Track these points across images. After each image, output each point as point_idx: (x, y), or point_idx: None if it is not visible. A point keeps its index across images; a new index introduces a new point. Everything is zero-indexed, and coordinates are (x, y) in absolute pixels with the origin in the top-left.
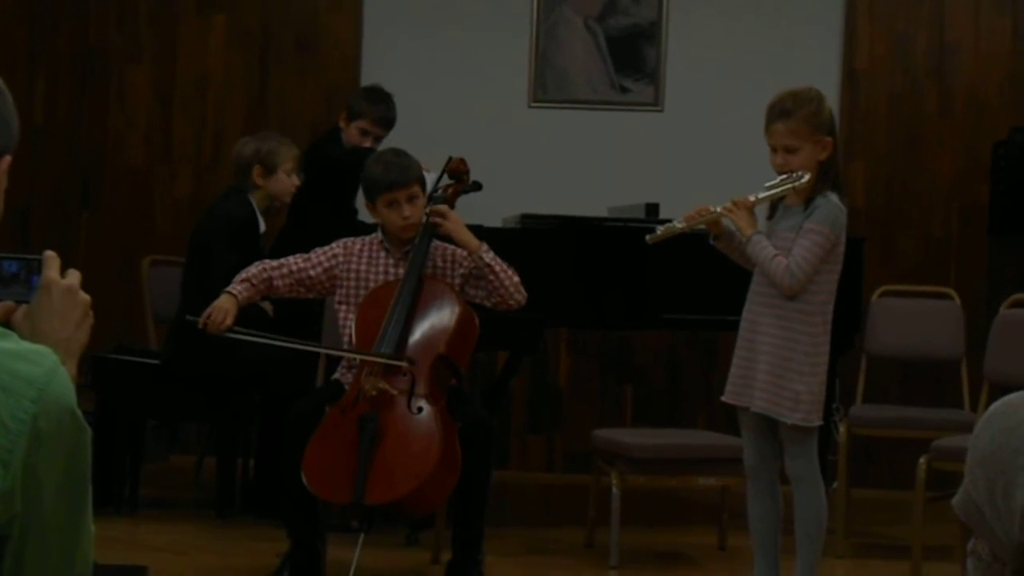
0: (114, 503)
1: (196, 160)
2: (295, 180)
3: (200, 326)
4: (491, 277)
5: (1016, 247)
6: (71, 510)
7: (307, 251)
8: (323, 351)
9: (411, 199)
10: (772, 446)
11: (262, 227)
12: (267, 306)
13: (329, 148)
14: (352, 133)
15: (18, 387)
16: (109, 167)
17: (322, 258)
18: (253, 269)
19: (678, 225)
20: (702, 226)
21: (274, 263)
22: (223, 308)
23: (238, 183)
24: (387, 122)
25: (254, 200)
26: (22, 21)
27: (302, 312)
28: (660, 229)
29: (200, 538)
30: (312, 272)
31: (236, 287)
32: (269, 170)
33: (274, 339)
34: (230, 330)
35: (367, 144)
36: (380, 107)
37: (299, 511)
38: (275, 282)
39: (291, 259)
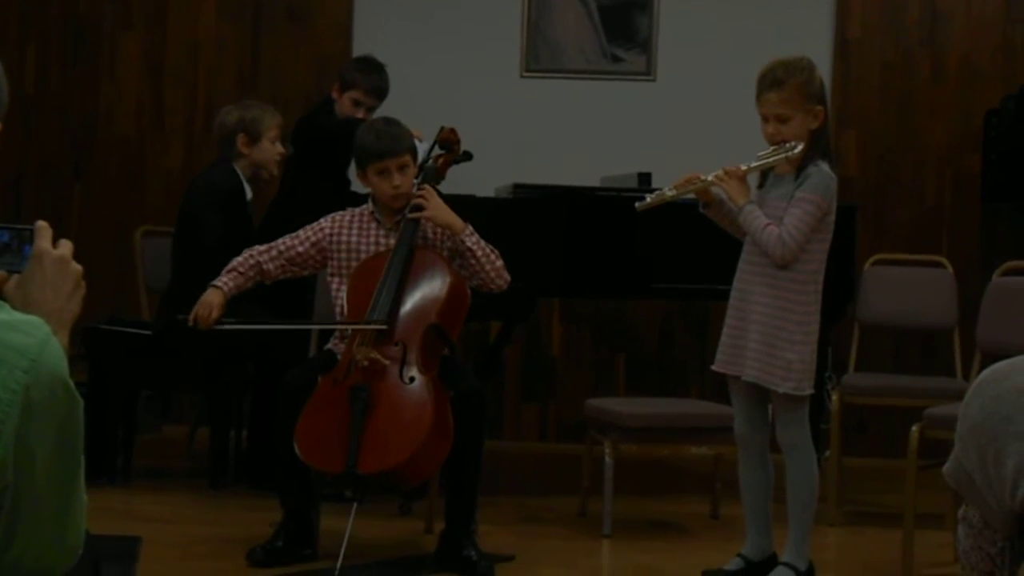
0: (107, 473)
1: (188, 130)
2: (279, 148)
3: (190, 324)
4: (472, 261)
5: (1008, 215)
6: (63, 480)
7: (300, 221)
8: (310, 327)
9: (401, 168)
10: (763, 415)
11: (249, 195)
12: None
13: (322, 119)
14: (345, 104)
15: (10, 357)
16: (101, 137)
17: (309, 234)
18: (240, 258)
19: (668, 193)
20: (692, 194)
21: (262, 248)
22: (208, 303)
23: (222, 152)
24: (380, 92)
25: (239, 168)
26: None
27: (294, 283)
28: (650, 197)
29: (193, 508)
30: (300, 249)
31: (222, 279)
32: (253, 138)
33: (263, 324)
34: (218, 323)
35: (360, 114)
36: (373, 77)
37: (292, 481)
38: (265, 266)
39: (279, 241)
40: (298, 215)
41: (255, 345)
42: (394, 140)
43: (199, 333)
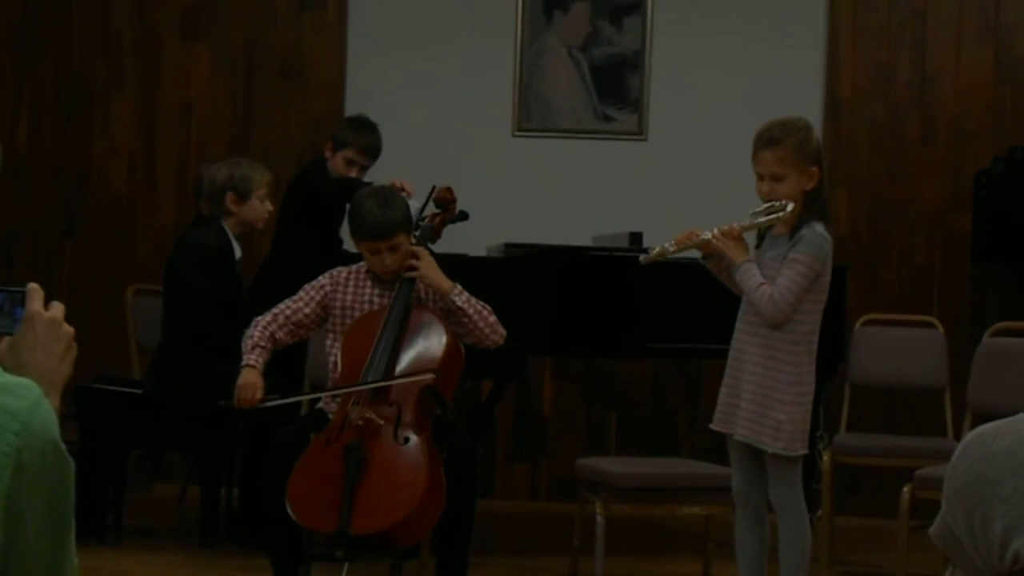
0: (98, 533)
1: (180, 188)
2: (268, 206)
3: (236, 407)
4: (464, 319)
5: (999, 276)
6: (54, 543)
7: (291, 280)
8: (349, 389)
9: (392, 249)
10: (760, 474)
11: (238, 253)
12: None
13: (316, 178)
14: (338, 163)
15: (1, 420)
16: (93, 195)
17: (312, 293)
18: (255, 332)
19: (670, 248)
20: (693, 249)
21: (268, 317)
22: (251, 385)
23: (210, 210)
24: (373, 151)
25: (227, 227)
26: (7, 48)
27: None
28: (652, 251)
29: (184, 567)
30: (306, 311)
31: (252, 357)
32: (243, 196)
33: (302, 395)
34: (262, 402)
35: (354, 173)
36: (366, 136)
37: (283, 540)
38: (276, 335)
39: (282, 306)
40: (290, 274)
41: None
42: (387, 224)
43: (189, 383)
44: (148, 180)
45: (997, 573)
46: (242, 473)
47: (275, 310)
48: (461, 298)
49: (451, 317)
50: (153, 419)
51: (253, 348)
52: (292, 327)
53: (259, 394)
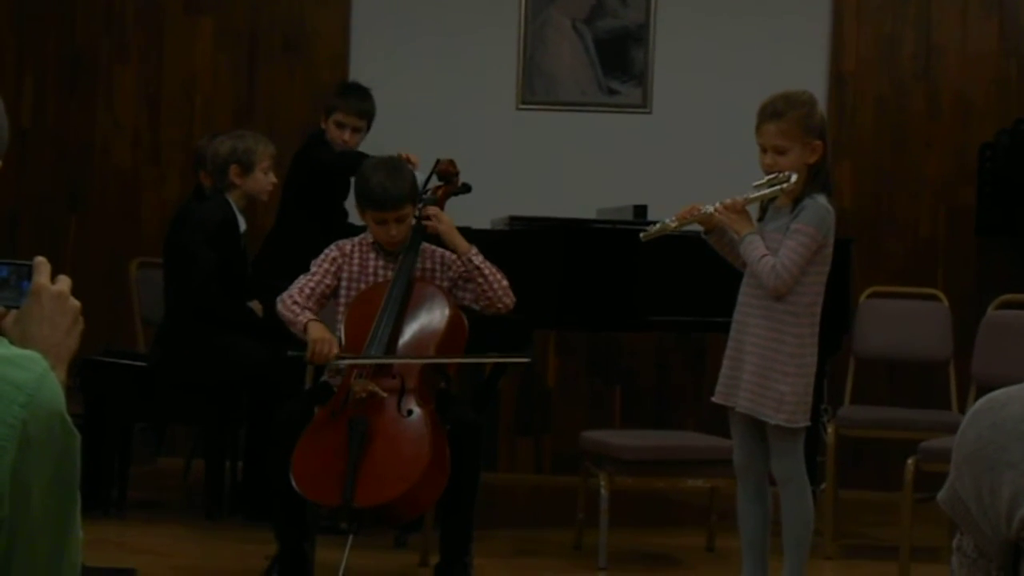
0: (102, 505)
1: (184, 162)
2: (272, 178)
3: (308, 360)
4: (480, 280)
5: (1003, 248)
6: (59, 515)
7: (296, 256)
8: (410, 360)
9: (399, 220)
10: (761, 447)
11: (242, 226)
12: (256, 306)
13: (319, 152)
14: (331, 128)
15: (7, 392)
16: (97, 169)
17: (327, 265)
18: (295, 299)
19: (671, 223)
20: (695, 224)
21: (294, 290)
22: (327, 340)
23: (214, 183)
24: (361, 112)
25: (232, 200)
26: (9, 24)
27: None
28: (653, 227)
29: (189, 540)
30: (327, 281)
31: (308, 314)
32: (246, 169)
33: (376, 359)
34: (338, 358)
35: (346, 136)
36: (352, 98)
37: (287, 513)
38: (307, 304)
39: (301, 282)
40: (295, 249)
41: (250, 377)
42: (394, 194)
43: (193, 356)
44: (152, 154)
45: (1004, 539)
46: (247, 446)
47: (297, 285)
48: (478, 258)
49: (466, 281)
50: (158, 392)
51: (303, 309)
52: (318, 298)
53: (336, 349)
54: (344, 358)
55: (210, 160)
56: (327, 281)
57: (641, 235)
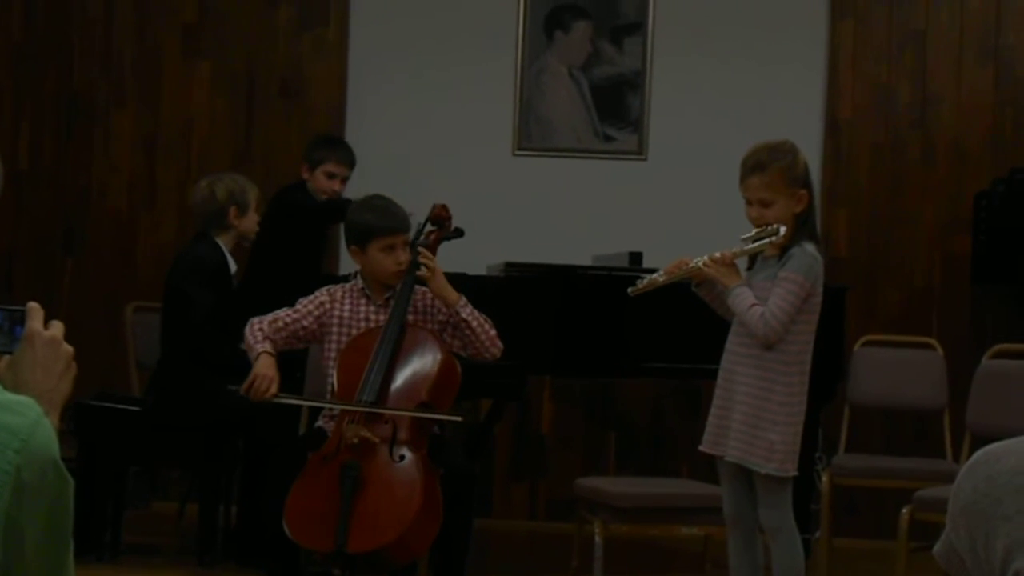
0: (96, 550)
1: (181, 206)
2: (256, 218)
3: (243, 393)
4: (467, 332)
5: (998, 297)
6: (53, 561)
7: (267, 304)
8: (357, 409)
9: (404, 245)
10: (750, 496)
11: (233, 268)
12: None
13: (303, 199)
14: (320, 179)
15: (2, 438)
16: (93, 212)
17: (311, 307)
18: (263, 326)
19: (660, 278)
20: (683, 278)
21: (268, 318)
22: (267, 376)
23: (207, 226)
24: (351, 161)
25: (222, 242)
26: (7, 65)
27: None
28: (641, 282)
29: None
30: (305, 323)
31: (267, 345)
32: (243, 210)
33: (311, 402)
34: (275, 396)
35: (336, 186)
36: (340, 148)
37: (280, 558)
38: (272, 338)
39: (281, 313)
40: (266, 296)
41: (244, 421)
42: (400, 218)
43: (188, 400)
44: (148, 197)
45: None
46: (241, 490)
47: (274, 314)
48: (466, 310)
49: (454, 329)
50: (152, 436)
51: (264, 339)
52: (288, 335)
53: (274, 388)
54: (281, 398)
55: (201, 205)
56: (305, 323)
57: (629, 290)
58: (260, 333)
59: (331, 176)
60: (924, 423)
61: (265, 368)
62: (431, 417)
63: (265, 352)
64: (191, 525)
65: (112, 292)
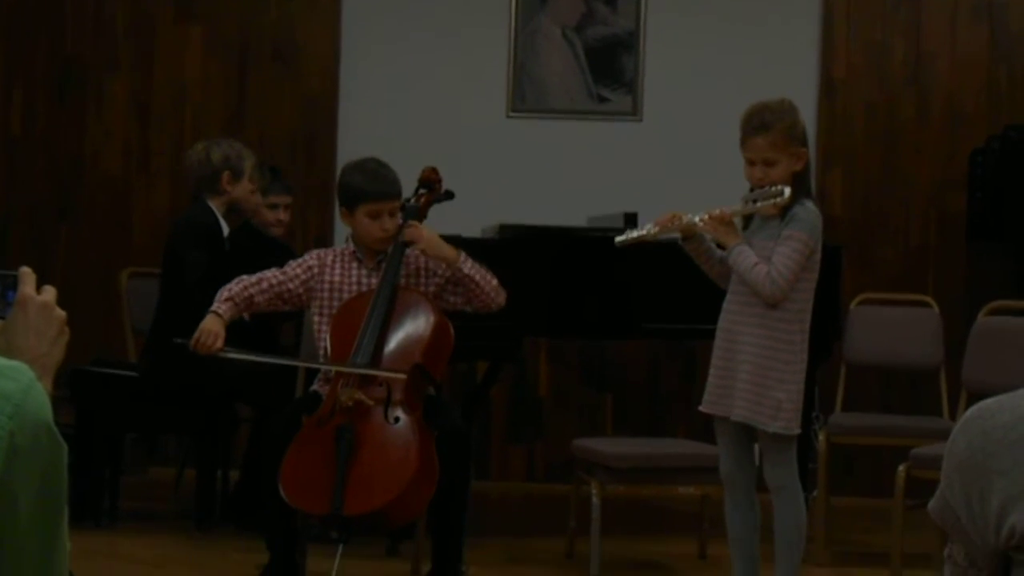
0: (93, 516)
1: (174, 171)
2: (250, 186)
3: (191, 348)
4: (471, 286)
5: (994, 255)
6: (46, 526)
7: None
8: (317, 366)
9: (392, 213)
10: (749, 455)
11: (225, 230)
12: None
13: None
14: (266, 212)
15: None
16: (87, 178)
17: (299, 271)
18: (235, 288)
19: (652, 230)
20: (675, 232)
21: (252, 279)
22: (212, 331)
23: (199, 189)
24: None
25: (214, 206)
26: None
27: (269, 322)
28: (631, 233)
29: (180, 550)
30: (291, 286)
31: (220, 306)
32: (237, 175)
33: (263, 358)
34: (220, 351)
35: (280, 215)
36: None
37: (277, 522)
38: (255, 298)
39: (268, 273)
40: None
41: (241, 388)
42: (391, 184)
43: (184, 365)
44: (142, 163)
45: (993, 548)
46: (246, 455)
47: (260, 275)
48: (467, 265)
49: (455, 285)
50: (148, 402)
51: (226, 300)
52: (273, 296)
53: (219, 343)
54: (228, 352)
55: (196, 168)
56: (291, 285)
57: (617, 240)
58: (226, 293)
59: (274, 207)
60: (920, 381)
61: (210, 324)
62: (394, 377)
63: (213, 312)
64: (189, 491)
65: (107, 258)
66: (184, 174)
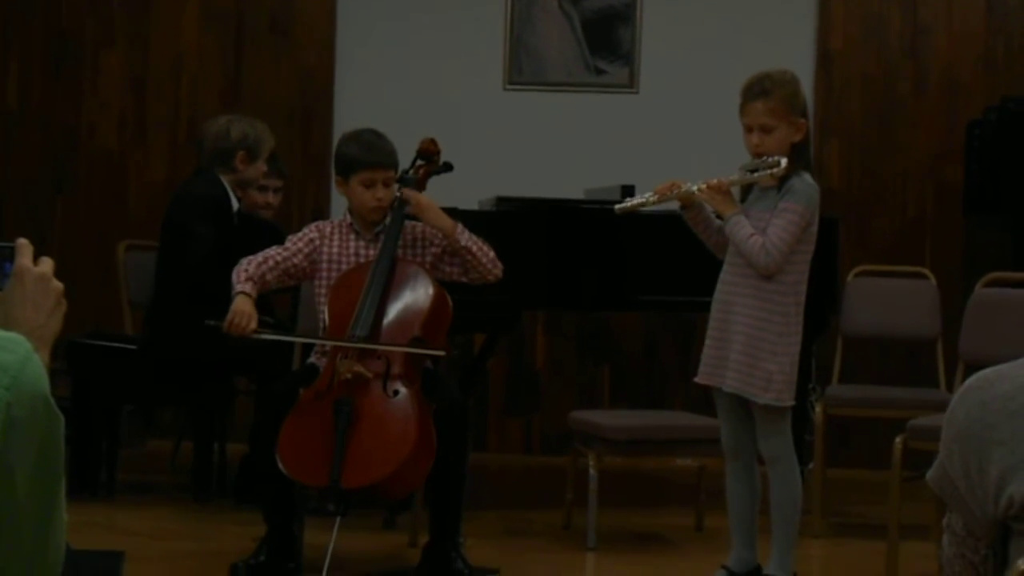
0: (91, 488)
1: (171, 144)
2: (263, 168)
3: (224, 330)
4: (468, 257)
5: (990, 226)
6: (44, 498)
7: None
8: (353, 346)
9: (387, 183)
10: (747, 425)
11: (235, 205)
12: None
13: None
14: (254, 194)
15: None
16: (83, 151)
17: (301, 244)
18: (249, 268)
19: (650, 198)
20: (674, 202)
21: (259, 258)
22: (246, 312)
23: (211, 162)
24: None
25: (225, 181)
26: None
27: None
28: (630, 201)
29: (177, 522)
30: (296, 260)
31: (245, 286)
32: (252, 157)
33: (295, 338)
34: (255, 332)
35: (270, 198)
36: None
37: (275, 494)
38: (266, 276)
39: (271, 251)
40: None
41: (243, 359)
42: (386, 154)
43: (181, 337)
44: (138, 136)
45: (992, 517)
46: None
47: (264, 254)
48: (464, 236)
49: (452, 257)
50: (146, 374)
51: (247, 280)
52: (281, 272)
53: (253, 324)
54: (262, 333)
55: (212, 140)
56: (295, 260)
57: (616, 208)
58: (244, 274)
59: (263, 189)
60: (917, 353)
61: (244, 306)
62: (421, 352)
63: (242, 292)
64: (186, 463)
65: (103, 231)
66: (195, 143)
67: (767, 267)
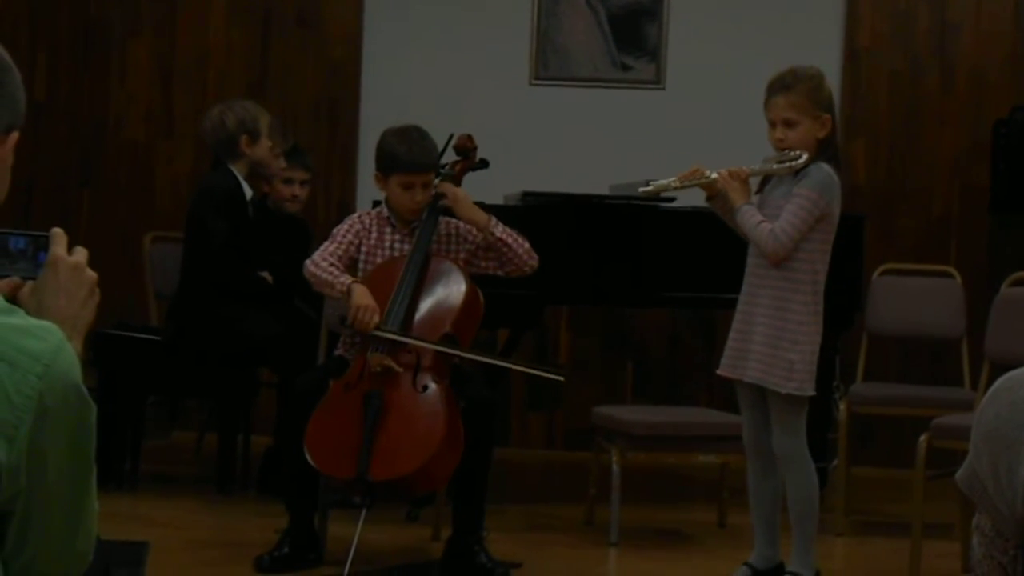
0: (115, 479)
1: (197, 136)
2: (269, 143)
3: (349, 324)
4: (504, 249)
5: (1016, 226)
6: (75, 486)
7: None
8: (473, 357)
9: (425, 185)
10: (769, 421)
11: (248, 194)
12: (267, 275)
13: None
14: (281, 188)
15: (24, 362)
16: (110, 143)
17: (350, 236)
18: (324, 263)
19: (674, 183)
20: (697, 187)
21: (323, 252)
22: (370, 306)
23: (219, 154)
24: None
25: (236, 169)
26: None
27: (289, 280)
28: (654, 184)
29: (201, 514)
30: (351, 251)
31: (348, 278)
32: (254, 137)
33: (415, 340)
34: (377, 328)
35: (296, 190)
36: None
37: (300, 486)
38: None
39: (330, 247)
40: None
41: (262, 351)
42: (426, 154)
43: (207, 328)
44: (165, 128)
45: (1020, 518)
46: (277, 420)
47: (326, 249)
48: (498, 229)
49: (487, 251)
50: (171, 365)
51: (342, 272)
52: (348, 263)
53: (377, 318)
54: (383, 330)
55: (213, 134)
56: (351, 251)
57: (640, 190)
58: (334, 268)
59: (289, 182)
60: (942, 352)
61: (363, 298)
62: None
63: (353, 283)
64: (210, 454)
65: (130, 223)
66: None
67: (775, 252)
